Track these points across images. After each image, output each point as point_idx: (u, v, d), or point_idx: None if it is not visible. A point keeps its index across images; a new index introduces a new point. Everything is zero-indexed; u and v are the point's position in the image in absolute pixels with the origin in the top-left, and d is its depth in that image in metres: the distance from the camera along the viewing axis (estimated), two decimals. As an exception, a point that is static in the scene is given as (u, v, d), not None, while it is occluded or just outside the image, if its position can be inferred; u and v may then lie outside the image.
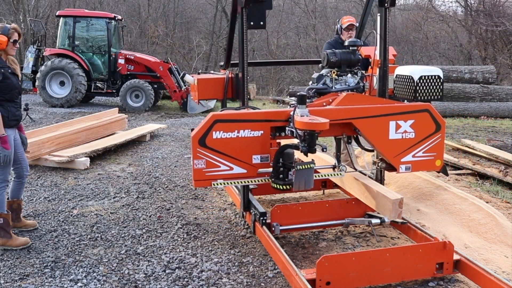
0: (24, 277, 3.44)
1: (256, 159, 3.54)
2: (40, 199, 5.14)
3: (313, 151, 3.33)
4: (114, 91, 12.90)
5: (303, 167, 3.41)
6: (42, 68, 12.67)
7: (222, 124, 3.43)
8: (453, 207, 4.62)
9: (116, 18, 13.27)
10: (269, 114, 3.59)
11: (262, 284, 3.36)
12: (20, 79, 4.09)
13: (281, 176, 3.49)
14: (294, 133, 3.44)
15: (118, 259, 3.73)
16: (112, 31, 12.93)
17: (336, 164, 4.02)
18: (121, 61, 12.80)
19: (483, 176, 6.20)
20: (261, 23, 3.90)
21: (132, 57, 12.92)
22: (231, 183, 3.57)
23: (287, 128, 3.55)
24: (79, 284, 3.34)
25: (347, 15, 5.92)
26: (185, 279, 3.40)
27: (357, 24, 5.34)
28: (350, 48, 4.07)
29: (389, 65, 4.25)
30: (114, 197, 5.24)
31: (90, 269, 3.56)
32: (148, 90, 12.39)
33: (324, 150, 3.53)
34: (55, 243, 4.02)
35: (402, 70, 4.12)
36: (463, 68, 14.54)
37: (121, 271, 3.53)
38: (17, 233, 4.17)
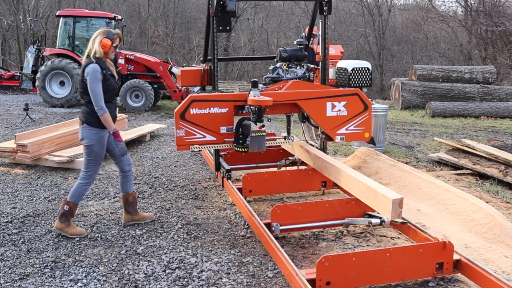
0: (24, 277, 3.44)
1: (223, 129, 4.62)
2: (40, 199, 5.14)
3: (261, 121, 4.40)
4: (114, 91, 12.89)
5: (257, 135, 4.47)
6: (42, 68, 12.66)
7: (198, 103, 4.52)
8: (453, 207, 4.62)
9: (116, 18, 13.24)
10: (232, 96, 4.74)
11: (262, 284, 3.36)
12: (116, 80, 4.27)
13: (240, 141, 4.59)
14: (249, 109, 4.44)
15: (118, 259, 3.73)
16: (112, 31, 12.91)
17: (287, 136, 5.20)
18: (121, 61, 12.77)
19: (483, 176, 6.21)
20: (228, 27, 5.02)
21: (132, 57, 12.89)
22: (204, 147, 4.63)
23: (246, 106, 4.52)
24: (79, 284, 3.34)
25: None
26: (185, 279, 3.40)
27: (317, 32, 6.44)
28: (298, 46, 5.19)
29: (335, 60, 5.36)
30: (114, 197, 5.24)
31: (90, 269, 3.56)
32: (148, 90, 12.38)
33: (269, 120, 4.66)
34: (55, 243, 4.02)
35: (341, 63, 5.16)
36: (463, 68, 14.55)
37: (121, 271, 3.53)
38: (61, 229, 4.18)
